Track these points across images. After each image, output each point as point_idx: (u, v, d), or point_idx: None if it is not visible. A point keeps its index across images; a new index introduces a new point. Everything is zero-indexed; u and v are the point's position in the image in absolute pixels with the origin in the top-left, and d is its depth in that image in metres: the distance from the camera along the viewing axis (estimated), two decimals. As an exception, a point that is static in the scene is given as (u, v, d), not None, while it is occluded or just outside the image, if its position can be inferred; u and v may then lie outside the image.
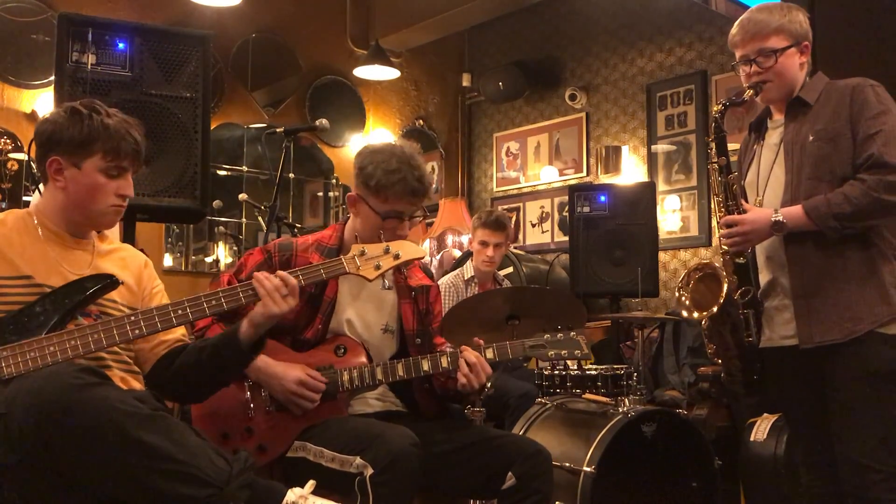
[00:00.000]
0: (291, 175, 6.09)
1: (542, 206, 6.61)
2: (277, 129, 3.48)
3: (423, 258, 2.24)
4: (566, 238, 5.42)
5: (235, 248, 5.57)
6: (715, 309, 2.33)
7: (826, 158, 2.27)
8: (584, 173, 6.35)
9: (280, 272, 1.95)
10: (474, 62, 7.20)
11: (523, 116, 6.84)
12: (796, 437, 2.58)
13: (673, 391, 4.43)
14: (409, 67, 6.86)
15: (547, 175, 6.61)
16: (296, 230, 4.12)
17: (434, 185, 7.01)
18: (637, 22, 6.10)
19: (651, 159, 5.95)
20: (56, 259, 1.92)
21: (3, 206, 4.65)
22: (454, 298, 3.93)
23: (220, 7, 5.38)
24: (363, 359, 2.26)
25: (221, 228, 5.72)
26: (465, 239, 6.02)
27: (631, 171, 6.03)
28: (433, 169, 7.00)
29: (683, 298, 2.44)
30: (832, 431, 2.28)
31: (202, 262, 5.79)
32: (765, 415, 3.43)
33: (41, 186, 2.02)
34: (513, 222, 6.36)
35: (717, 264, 2.42)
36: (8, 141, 4.83)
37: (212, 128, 3.63)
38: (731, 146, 2.44)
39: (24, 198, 4.75)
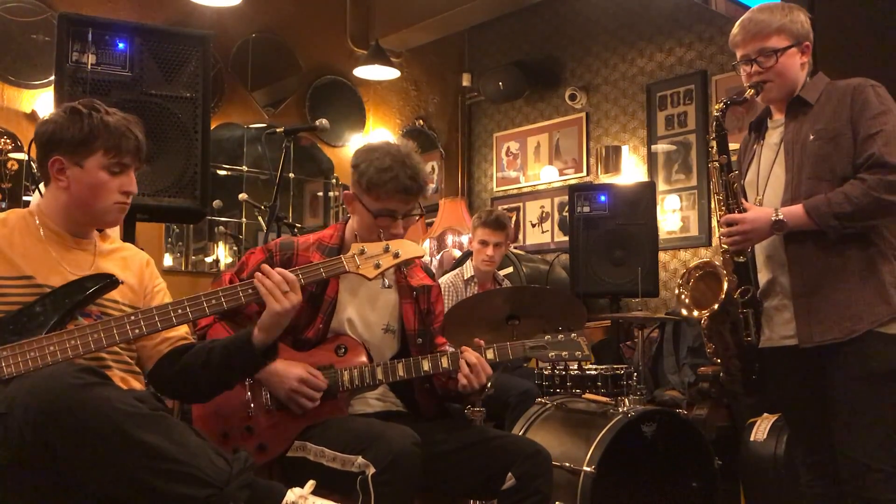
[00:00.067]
0: (291, 175, 6.09)
1: (542, 206, 6.61)
2: (277, 129, 3.48)
3: (422, 257, 2.23)
4: (566, 238, 5.42)
5: (235, 248, 5.58)
6: (716, 306, 2.33)
7: (826, 158, 2.27)
8: (584, 173, 6.35)
9: (279, 269, 1.96)
10: (474, 62, 7.20)
11: (523, 116, 6.84)
12: (796, 437, 2.58)
13: (673, 391, 4.43)
14: (409, 67, 6.86)
15: (547, 175, 6.61)
16: (296, 230, 4.12)
17: (434, 185, 7.01)
18: (637, 22, 6.10)
19: (651, 159, 5.95)
20: (57, 259, 1.92)
21: (3, 206, 4.65)
22: (454, 298, 3.93)
23: (220, 7, 5.38)
24: (364, 358, 2.26)
25: (221, 228, 5.72)
26: (465, 239, 6.02)
27: (631, 170, 6.03)
28: (433, 169, 7.00)
29: (683, 296, 2.44)
30: (833, 431, 2.28)
31: (202, 262, 5.79)
32: (765, 415, 3.44)
33: (41, 186, 2.02)
34: (513, 222, 6.36)
35: (717, 263, 2.42)
36: (8, 141, 4.83)
37: (212, 128, 3.63)
38: (732, 146, 2.44)
39: (24, 198, 4.75)
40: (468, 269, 4.12)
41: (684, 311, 2.44)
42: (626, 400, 3.17)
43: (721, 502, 3.21)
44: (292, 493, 1.72)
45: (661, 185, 5.76)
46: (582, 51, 6.44)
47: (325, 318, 2.28)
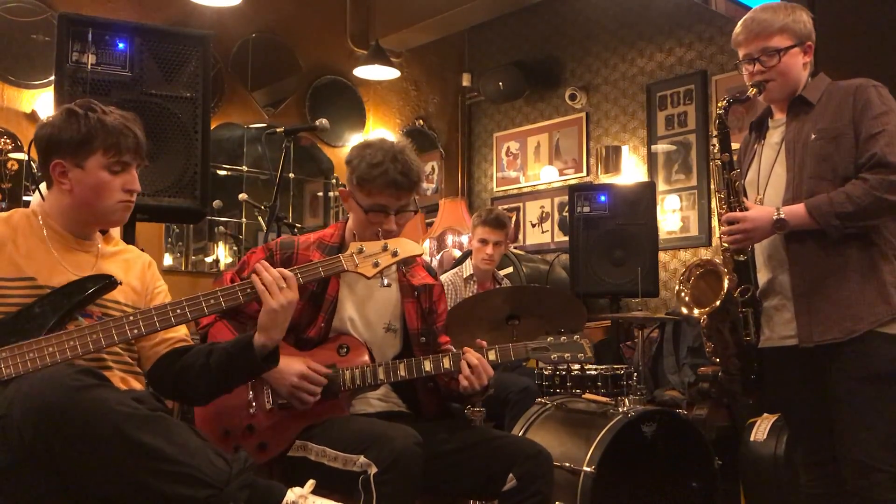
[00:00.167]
0: (291, 175, 6.09)
1: (542, 206, 6.61)
2: (277, 129, 3.48)
3: (421, 255, 2.23)
4: (566, 238, 5.42)
5: (235, 248, 5.57)
6: (718, 303, 2.33)
7: (828, 157, 2.27)
8: (584, 173, 6.35)
9: (278, 268, 1.95)
10: (474, 62, 7.20)
11: (523, 116, 6.84)
12: (796, 437, 2.58)
13: (673, 391, 4.43)
14: (409, 67, 6.85)
15: (547, 175, 6.61)
16: (296, 230, 4.12)
17: (434, 185, 7.01)
18: (637, 22, 6.10)
19: (651, 159, 5.95)
20: (60, 261, 1.92)
21: (3, 206, 4.65)
22: (452, 296, 3.93)
23: (220, 7, 5.38)
24: (365, 358, 2.26)
25: (221, 228, 5.72)
26: (465, 239, 6.02)
27: (631, 171, 6.03)
28: (433, 169, 7.00)
29: (683, 294, 2.44)
30: (835, 432, 2.28)
31: (202, 262, 5.79)
32: (765, 415, 3.44)
33: (41, 186, 2.02)
34: (513, 222, 6.36)
35: (717, 261, 2.42)
36: (8, 141, 4.83)
37: (212, 128, 3.63)
38: (733, 145, 2.44)
39: (25, 198, 4.75)
40: (467, 267, 4.13)
41: (684, 309, 2.44)
42: (626, 400, 3.17)
43: (721, 502, 3.21)
44: (292, 493, 1.72)
45: (661, 185, 5.76)
46: (582, 51, 6.44)
47: (327, 318, 2.28)
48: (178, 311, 1.87)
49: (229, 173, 5.87)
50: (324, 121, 3.68)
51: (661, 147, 5.91)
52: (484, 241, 4.03)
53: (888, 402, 2.21)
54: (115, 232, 2.19)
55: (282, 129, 3.45)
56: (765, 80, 2.36)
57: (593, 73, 6.37)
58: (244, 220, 5.79)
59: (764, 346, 2.40)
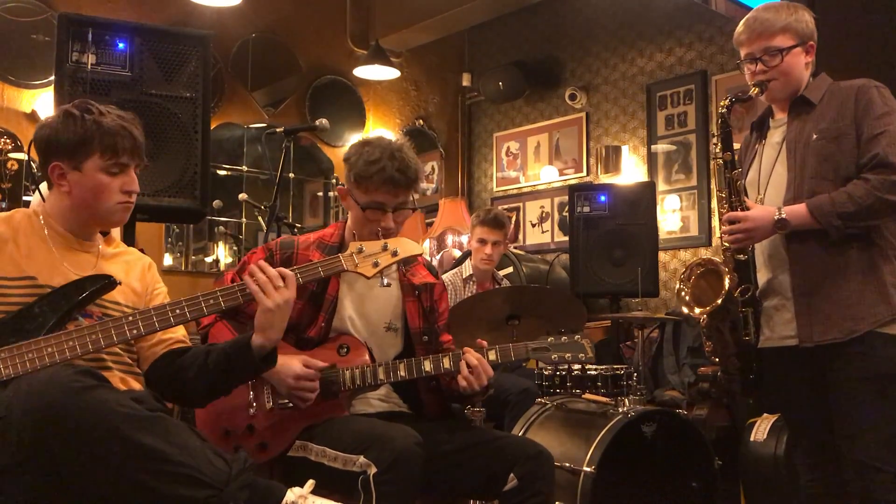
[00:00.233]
0: (291, 175, 6.09)
1: (542, 206, 6.61)
2: (277, 129, 3.48)
3: (421, 254, 2.23)
4: (566, 238, 5.42)
5: (235, 248, 5.58)
6: (720, 301, 2.33)
7: (829, 157, 2.27)
8: (584, 173, 6.35)
9: (278, 268, 1.95)
10: (474, 62, 7.20)
11: (523, 116, 6.84)
12: (796, 437, 2.58)
13: (673, 391, 4.43)
14: (409, 67, 6.85)
15: (547, 175, 6.61)
16: (296, 230, 4.12)
17: (434, 185, 7.01)
18: (637, 22, 6.10)
19: (651, 159, 5.95)
20: (60, 260, 1.92)
21: (4, 206, 4.65)
22: (452, 297, 3.93)
23: (220, 7, 5.38)
24: (366, 358, 2.26)
25: (221, 228, 5.72)
26: (465, 239, 6.02)
27: (631, 170, 6.03)
28: (433, 169, 7.00)
29: (684, 293, 2.44)
30: (836, 432, 2.28)
31: (202, 262, 5.79)
32: (765, 415, 3.43)
33: (42, 186, 2.02)
34: (513, 222, 6.36)
35: (718, 260, 2.42)
36: (8, 141, 4.83)
37: (212, 128, 3.63)
38: (734, 145, 2.44)
39: (24, 198, 4.75)
40: (467, 268, 4.13)
41: (685, 308, 2.44)
42: (626, 400, 3.17)
43: (721, 502, 3.21)
44: (292, 493, 1.72)
45: (661, 185, 5.76)
46: (582, 51, 6.44)
47: (327, 317, 2.28)
48: (178, 311, 1.87)
49: (229, 173, 5.87)
50: (324, 121, 3.68)
51: (661, 147, 5.91)
52: (483, 241, 4.03)
53: (889, 402, 2.21)
54: (116, 233, 2.20)
55: (282, 129, 3.45)
56: (767, 80, 2.35)
57: (593, 73, 6.37)
58: (244, 220, 5.79)
59: (764, 346, 2.40)
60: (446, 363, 2.21)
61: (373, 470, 1.89)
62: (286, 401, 2.17)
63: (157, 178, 2.94)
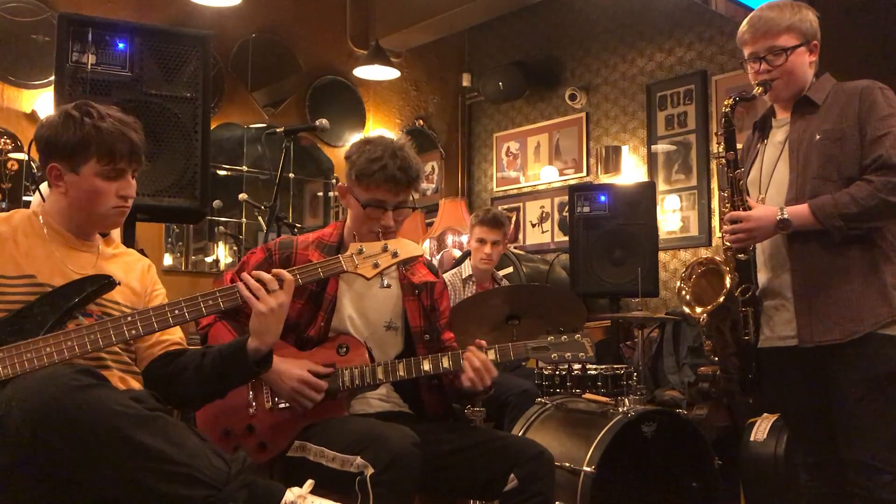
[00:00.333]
0: (291, 175, 6.09)
1: (542, 206, 6.61)
2: (277, 129, 3.48)
3: (421, 256, 2.23)
4: (566, 238, 5.42)
5: (235, 248, 5.57)
6: (721, 299, 2.33)
7: (832, 158, 2.27)
8: (584, 173, 6.35)
9: (276, 269, 1.95)
10: (474, 62, 7.20)
11: (523, 116, 6.84)
12: (796, 437, 2.58)
13: (673, 391, 4.43)
14: (409, 67, 6.85)
15: (547, 175, 6.61)
16: (296, 230, 4.12)
17: (434, 185, 7.01)
18: (637, 22, 6.10)
19: (651, 159, 5.95)
20: (60, 259, 1.92)
21: (4, 206, 4.65)
22: (451, 296, 3.93)
23: (220, 7, 5.38)
24: (365, 357, 2.25)
25: (221, 228, 5.72)
26: (465, 239, 6.02)
27: (631, 171, 6.03)
28: (433, 169, 7.00)
29: (684, 292, 2.44)
30: (837, 433, 2.28)
31: (202, 262, 5.79)
32: (765, 415, 3.43)
33: (41, 186, 2.02)
34: (513, 222, 6.36)
35: (719, 259, 2.41)
36: (8, 141, 4.83)
37: (212, 128, 3.63)
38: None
39: (25, 198, 4.75)
40: (466, 267, 4.13)
41: (685, 308, 2.44)
42: (626, 400, 3.16)
43: (721, 502, 3.21)
44: (291, 493, 1.72)
45: (661, 185, 5.76)
46: (582, 51, 6.44)
47: (326, 317, 2.28)
48: (177, 312, 1.87)
49: (229, 173, 5.87)
50: (324, 121, 3.68)
51: (661, 147, 5.91)
52: (482, 241, 4.03)
53: (890, 402, 2.21)
54: (115, 234, 2.19)
55: (282, 129, 3.45)
56: (771, 79, 2.35)
57: (593, 73, 6.37)
58: (244, 220, 5.79)
59: (764, 346, 2.40)
60: (445, 363, 2.21)
61: (370, 471, 1.88)
62: (285, 403, 2.17)
63: (157, 178, 2.94)
